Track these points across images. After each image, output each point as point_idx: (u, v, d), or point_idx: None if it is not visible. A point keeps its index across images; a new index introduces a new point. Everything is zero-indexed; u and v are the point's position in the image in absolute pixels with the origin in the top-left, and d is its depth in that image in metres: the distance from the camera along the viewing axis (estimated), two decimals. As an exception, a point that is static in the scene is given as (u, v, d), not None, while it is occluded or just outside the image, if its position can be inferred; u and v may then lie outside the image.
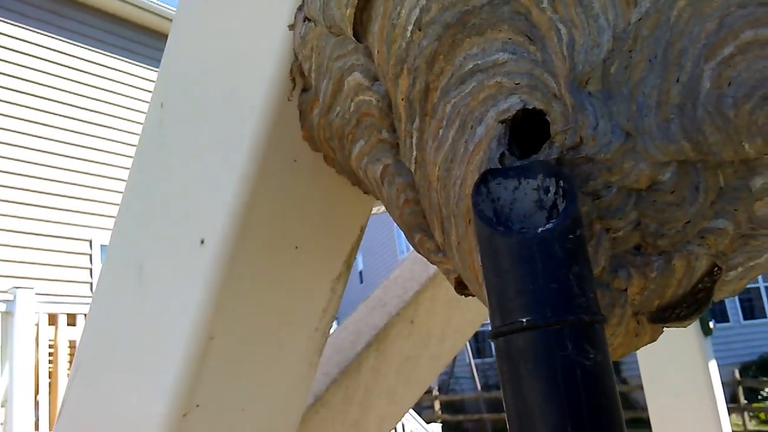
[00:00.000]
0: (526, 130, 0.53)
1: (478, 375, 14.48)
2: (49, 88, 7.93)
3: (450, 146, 0.55)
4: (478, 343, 17.87)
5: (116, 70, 8.66)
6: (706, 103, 0.45)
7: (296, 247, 0.75)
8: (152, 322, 0.75)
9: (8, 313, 4.93)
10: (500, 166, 0.50)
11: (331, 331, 1.12)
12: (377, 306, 1.10)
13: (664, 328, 0.55)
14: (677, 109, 0.46)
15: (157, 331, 0.74)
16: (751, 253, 0.52)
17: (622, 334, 0.52)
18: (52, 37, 8.12)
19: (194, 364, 0.70)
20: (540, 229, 0.44)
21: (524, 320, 0.42)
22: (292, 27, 0.67)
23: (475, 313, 1.18)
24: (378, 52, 0.58)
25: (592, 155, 0.48)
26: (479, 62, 0.52)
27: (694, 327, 1.76)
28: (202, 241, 0.70)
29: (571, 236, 0.44)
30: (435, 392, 12.86)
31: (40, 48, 7.99)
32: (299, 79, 0.68)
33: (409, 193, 0.62)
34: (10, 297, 5.03)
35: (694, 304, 0.53)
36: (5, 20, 7.73)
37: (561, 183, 0.46)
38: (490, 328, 0.45)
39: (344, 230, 0.80)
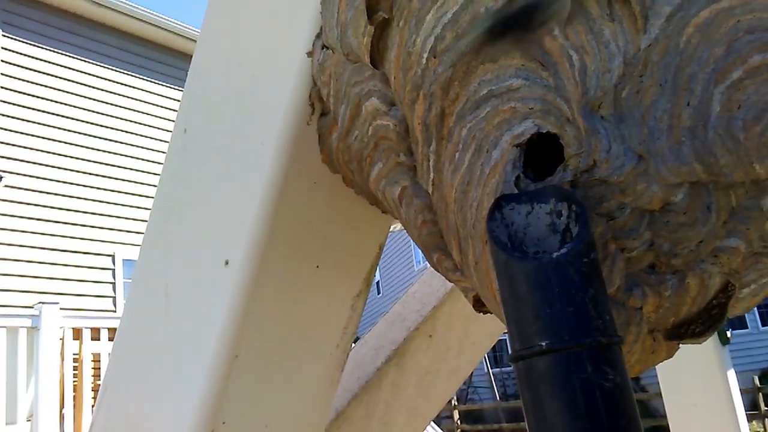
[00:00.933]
0: (540, 154, 0.54)
1: (496, 384, 14.41)
2: (68, 107, 8.05)
3: (466, 169, 0.56)
4: (496, 352, 17.79)
5: (136, 88, 8.78)
6: (717, 125, 0.46)
7: (317, 267, 0.77)
8: (178, 341, 0.77)
9: (34, 328, 5.01)
10: (516, 189, 0.52)
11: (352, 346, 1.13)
12: (396, 321, 1.12)
13: (681, 345, 0.56)
14: (688, 131, 0.47)
15: (183, 350, 0.76)
16: (763, 270, 0.52)
17: (638, 351, 0.53)
18: (78, 59, 8.25)
19: (220, 382, 0.72)
20: (555, 254, 0.45)
21: (543, 344, 0.43)
22: (310, 54, 0.68)
23: (492, 327, 1.19)
24: (395, 78, 0.60)
25: (606, 177, 0.49)
26: (493, 88, 0.54)
27: (712, 336, 1.75)
28: (227, 262, 0.72)
29: (586, 260, 0.45)
30: (454, 402, 12.80)
31: (65, 69, 8.12)
32: (318, 104, 0.70)
33: (427, 215, 0.63)
34: (35, 312, 5.10)
35: (709, 321, 0.54)
36: (24, 40, 7.87)
37: (573, 207, 0.47)
38: (508, 342, 0.47)
39: (363, 249, 0.82)
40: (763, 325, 14.48)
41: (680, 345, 0.55)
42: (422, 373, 1.13)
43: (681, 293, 0.51)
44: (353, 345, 1.17)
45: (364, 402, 1.04)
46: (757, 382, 11.17)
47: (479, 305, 0.65)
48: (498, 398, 14.05)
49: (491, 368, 14.96)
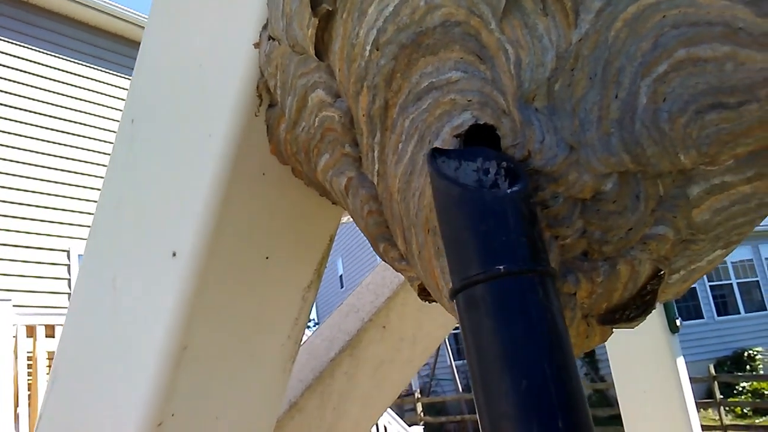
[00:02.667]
0: (480, 143, 0.55)
1: (459, 376, 14.54)
2: (24, 98, 7.86)
3: (409, 159, 0.58)
4: (459, 344, 17.94)
5: (91, 79, 8.61)
6: (644, 117, 0.48)
7: (267, 258, 0.78)
8: (126, 332, 0.77)
9: (-10, 325, 4.90)
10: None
11: (305, 338, 1.14)
12: (350, 312, 1.13)
13: (614, 330, 0.58)
14: (617, 123, 0.49)
15: (131, 341, 0.76)
16: (692, 257, 0.55)
17: (573, 336, 0.55)
18: (26, 47, 8.05)
19: (169, 373, 0.72)
20: (509, 190, 0.47)
21: (501, 267, 0.44)
22: (257, 45, 0.69)
23: (445, 317, 1.21)
24: (339, 70, 0.61)
25: (540, 168, 0.51)
26: (434, 80, 0.55)
27: (661, 325, 1.80)
28: (174, 254, 0.72)
29: (532, 200, 0.49)
30: (417, 395, 12.89)
31: (14, 58, 7.92)
32: (266, 96, 0.70)
33: (373, 205, 0.64)
34: (-8, 309, 4.99)
35: (642, 306, 0.56)
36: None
37: (503, 164, 0.50)
38: (449, 279, 0.48)
39: (314, 240, 0.83)
40: (718, 315, 14.87)
41: (613, 329, 0.58)
42: (376, 363, 1.14)
43: (613, 279, 0.53)
44: (307, 336, 1.18)
45: (317, 392, 1.05)
46: (712, 371, 11.48)
47: (424, 294, 0.66)
48: (461, 390, 14.17)
49: (454, 360, 15.09)
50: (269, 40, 0.67)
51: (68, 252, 7.74)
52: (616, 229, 0.51)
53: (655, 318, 1.86)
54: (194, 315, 0.72)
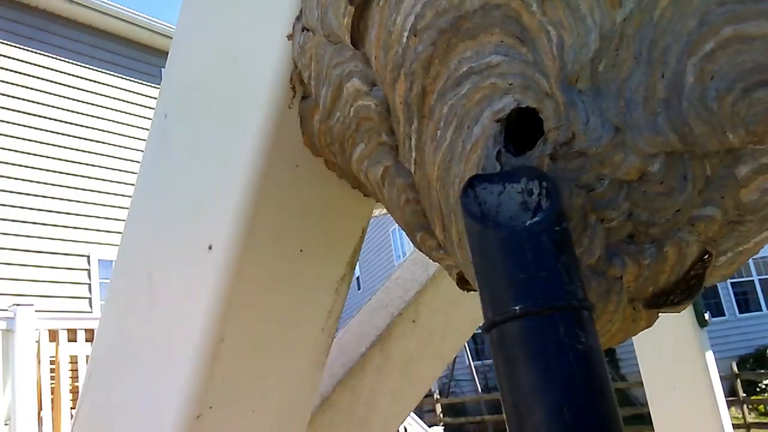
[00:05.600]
0: (521, 128, 0.55)
1: (478, 377, 14.50)
2: (41, 105, 7.94)
3: (448, 146, 0.57)
4: (477, 345, 17.88)
5: (110, 86, 8.69)
6: (691, 96, 0.47)
7: (301, 251, 0.78)
8: (163, 327, 0.77)
9: (9, 331, 4.95)
10: (498, 164, 0.53)
11: (336, 333, 1.14)
12: (379, 307, 1.12)
13: (660, 315, 0.57)
14: (663, 103, 0.48)
15: (168, 335, 0.76)
16: (739, 239, 0.54)
17: (619, 320, 0.55)
18: (44, 55, 8.13)
19: (206, 366, 0.72)
20: (528, 222, 0.47)
21: (517, 308, 0.44)
22: (290, 37, 0.69)
23: (474, 312, 1.20)
24: (375, 58, 0.61)
25: (584, 149, 0.50)
26: (473, 65, 0.55)
27: (689, 319, 1.78)
28: (210, 247, 0.72)
29: (557, 228, 0.47)
30: (436, 395, 12.87)
31: (32, 66, 8.01)
32: (299, 87, 0.70)
33: (410, 194, 0.64)
34: (10, 314, 5.05)
35: (688, 290, 0.55)
36: (-4, 39, 7.75)
37: (544, 183, 0.49)
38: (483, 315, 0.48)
39: (346, 232, 0.83)
40: (740, 313, 14.71)
41: (660, 315, 0.57)
42: (406, 358, 1.14)
43: (660, 262, 0.52)
44: (336, 333, 1.18)
45: (349, 387, 1.05)
46: (735, 368, 11.36)
47: (463, 283, 0.66)
48: (480, 391, 14.13)
49: (473, 361, 15.05)
50: (303, 31, 0.67)
51: (88, 257, 7.81)
52: (663, 211, 0.51)
53: (684, 312, 1.84)
54: (230, 307, 0.72)
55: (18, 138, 7.64)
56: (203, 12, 0.79)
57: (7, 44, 7.83)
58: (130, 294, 0.82)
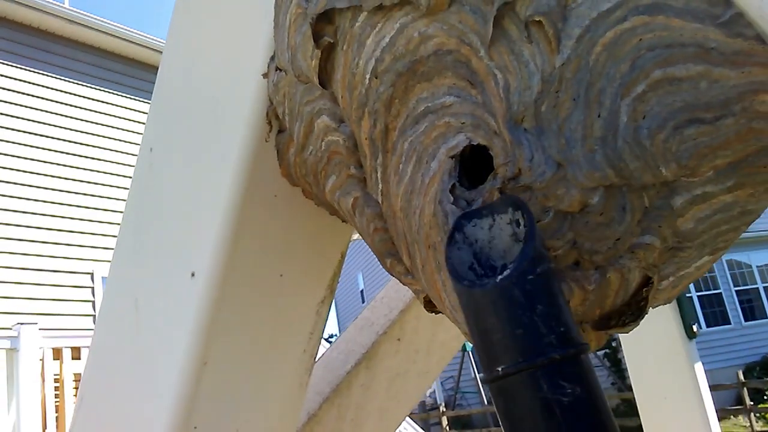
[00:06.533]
0: (474, 164, 0.59)
1: (483, 389, 14.46)
2: (41, 125, 8.01)
3: (409, 179, 0.61)
4: (483, 357, 17.80)
5: (109, 104, 8.76)
6: (625, 134, 0.51)
7: (281, 275, 0.81)
8: (149, 350, 0.81)
9: (13, 350, 4.99)
10: (451, 197, 0.57)
11: (323, 351, 1.17)
12: (365, 326, 1.16)
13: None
14: (600, 141, 0.52)
15: (153, 358, 0.80)
16: (680, 264, 0.58)
17: (568, 341, 0.58)
18: (43, 74, 8.22)
19: (190, 387, 0.76)
20: (499, 278, 0.47)
21: (500, 369, 0.46)
22: (266, 75, 0.73)
23: (458, 328, 1.24)
24: (342, 97, 0.65)
25: (530, 184, 0.54)
26: (429, 105, 0.59)
27: (678, 331, 1.81)
28: (193, 274, 0.76)
29: (531, 277, 0.47)
30: (442, 408, 12.84)
31: (33, 86, 8.09)
32: (275, 122, 0.74)
33: (378, 222, 0.68)
34: (14, 333, 5.08)
35: (635, 312, 0.59)
36: (-1, 60, 7.85)
37: (524, 216, 0.51)
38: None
39: (326, 257, 0.86)
40: (745, 321, 14.67)
41: (609, 334, 0.60)
42: (392, 375, 1.17)
43: (603, 287, 0.56)
44: (324, 351, 1.21)
45: (335, 404, 1.08)
46: (741, 377, 11.32)
47: (430, 306, 0.70)
48: (486, 403, 14.09)
49: (479, 373, 15.03)
50: (276, 70, 0.71)
51: (92, 274, 7.85)
52: (604, 240, 0.55)
53: (672, 325, 1.87)
54: (213, 331, 0.76)
55: (19, 157, 7.71)
56: (185, 50, 0.83)
57: (4, 63, 7.93)
58: (118, 319, 0.86)
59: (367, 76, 0.61)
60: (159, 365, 0.79)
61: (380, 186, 0.66)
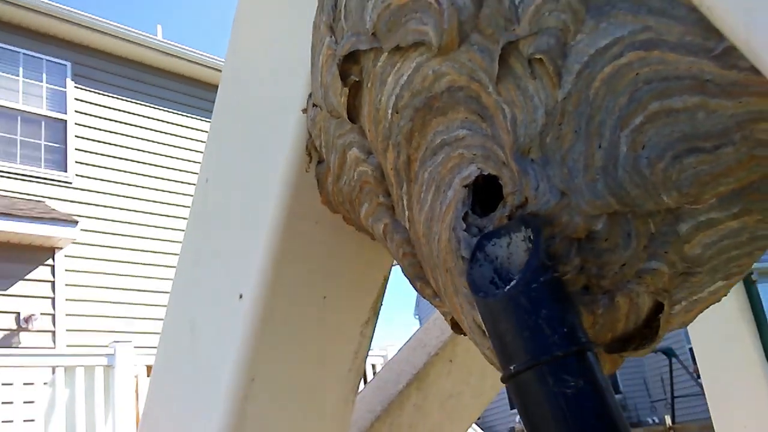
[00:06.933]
0: (489, 193, 0.62)
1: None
2: (138, 151, 8.47)
3: (429, 207, 0.65)
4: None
5: (202, 131, 9.17)
6: (625, 164, 0.53)
7: (324, 297, 0.86)
8: (203, 368, 0.87)
9: (110, 367, 5.26)
10: (464, 225, 0.60)
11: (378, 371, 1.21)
12: (418, 347, 1.19)
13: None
14: (601, 170, 0.54)
15: (207, 375, 0.86)
16: (692, 289, 0.59)
17: (581, 363, 0.60)
18: (142, 104, 8.69)
19: (238, 402, 0.81)
20: (507, 288, 0.53)
21: (512, 368, 0.51)
22: (305, 111, 0.78)
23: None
24: (369, 131, 0.69)
25: (536, 211, 0.57)
26: (445, 137, 0.62)
27: (758, 356, 1.75)
28: (241, 296, 0.82)
29: (535, 285, 0.52)
30: None
31: (131, 115, 8.57)
32: (314, 153, 0.79)
33: (406, 248, 0.72)
34: (110, 351, 5.36)
35: (648, 337, 0.60)
36: (94, 90, 8.36)
37: (533, 232, 0.55)
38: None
39: (368, 280, 0.91)
40: None
41: (624, 357, 0.62)
42: (445, 396, 1.20)
43: (612, 311, 0.57)
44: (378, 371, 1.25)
45: (387, 423, 1.11)
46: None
47: (457, 327, 0.73)
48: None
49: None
50: (313, 106, 0.77)
51: (183, 295, 8.17)
52: (610, 265, 0.56)
53: (751, 350, 1.81)
54: (259, 350, 0.81)
55: (116, 183, 8.17)
56: (236, 88, 0.90)
57: (102, 94, 8.43)
58: (176, 339, 0.93)
59: (389, 111, 0.66)
60: (210, 382, 0.84)
61: (406, 213, 0.70)
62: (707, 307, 0.62)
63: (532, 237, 0.54)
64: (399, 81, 0.64)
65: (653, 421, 14.87)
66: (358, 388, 0.95)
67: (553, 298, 0.52)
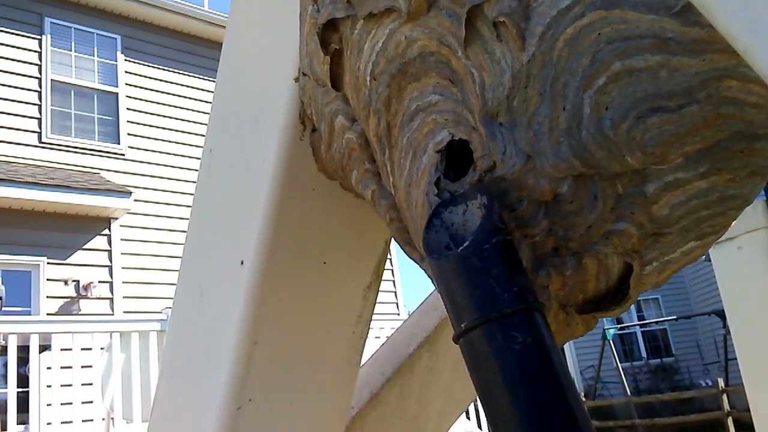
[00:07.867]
0: (464, 157, 0.62)
1: (627, 379, 13.94)
2: (188, 122, 8.62)
3: (407, 173, 0.66)
4: (625, 346, 17.21)
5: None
6: (589, 126, 0.53)
7: (324, 263, 0.88)
8: (210, 330, 0.90)
9: (163, 332, 5.44)
10: (436, 189, 0.61)
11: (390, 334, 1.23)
12: (429, 310, 1.20)
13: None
14: (565, 132, 0.54)
15: (213, 338, 0.89)
16: (663, 249, 0.58)
17: (553, 323, 0.61)
18: (191, 76, 8.81)
19: (242, 364, 0.84)
20: (460, 248, 0.54)
21: (462, 325, 0.52)
22: (297, 79, 0.80)
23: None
24: (351, 98, 0.70)
25: (504, 175, 0.57)
26: (419, 103, 0.63)
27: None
28: (242, 262, 0.84)
29: (487, 246, 0.54)
30: (582, 398, 12.51)
31: (180, 86, 8.69)
32: (308, 122, 0.81)
33: (393, 213, 0.73)
34: (164, 317, 5.54)
35: (619, 296, 0.60)
36: (144, 63, 8.51)
37: (488, 198, 0.56)
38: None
39: (369, 245, 0.92)
40: None
41: (597, 318, 0.62)
42: (457, 358, 1.21)
43: (581, 272, 0.58)
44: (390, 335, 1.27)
45: (398, 385, 1.14)
46: None
47: (443, 289, 0.74)
48: (629, 393, 13.55)
49: (621, 363, 14.50)
50: (303, 75, 0.78)
51: (234, 262, 8.36)
52: (576, 227, 0.57)
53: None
54: (261, 313, 0.84)
55: (167, 153, 8.35)
56: (234, 59, 0.91)
57: (152, 66, 8.57)
58: (187, 303, 0.97)
59: (368, 78, 0.66)
60: (217, 344, 0.88)
61: (391, 179, 0.71)
62: (681, 267, 0.61)
63: (486, 203, 0.55)
64: (375, 48, 0.65)
65: (706, 383, 14.65)
66: (363, 350, 0.97)
67: (505, 259, 0.53)
